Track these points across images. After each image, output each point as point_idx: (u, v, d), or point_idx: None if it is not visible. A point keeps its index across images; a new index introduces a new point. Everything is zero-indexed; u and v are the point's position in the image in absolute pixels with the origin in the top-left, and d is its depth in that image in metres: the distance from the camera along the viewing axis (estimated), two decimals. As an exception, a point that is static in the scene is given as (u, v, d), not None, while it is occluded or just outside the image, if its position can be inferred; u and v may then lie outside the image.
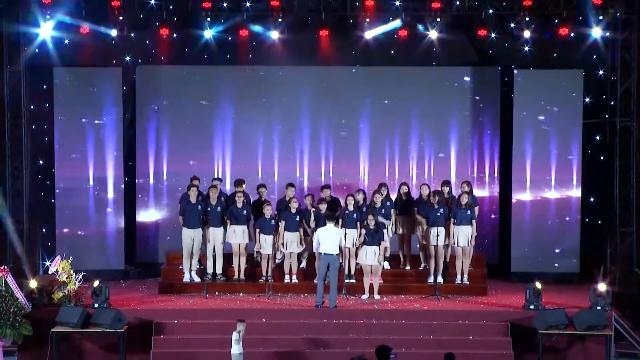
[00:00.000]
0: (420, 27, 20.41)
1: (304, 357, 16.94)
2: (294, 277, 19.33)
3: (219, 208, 19.27)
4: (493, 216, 21.40)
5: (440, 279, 19.16)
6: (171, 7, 20.31)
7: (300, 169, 21.52)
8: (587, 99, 20.74)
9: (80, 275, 18.25)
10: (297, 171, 21.47)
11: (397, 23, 20.27)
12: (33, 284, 17.99)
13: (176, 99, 21.41)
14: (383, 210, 19.24)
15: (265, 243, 19.06)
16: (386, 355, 12.72)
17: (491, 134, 21.39)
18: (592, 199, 20.97)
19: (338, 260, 18.07)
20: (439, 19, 20.25)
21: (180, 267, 19.53)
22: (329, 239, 17.93)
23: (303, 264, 19.60)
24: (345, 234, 18.62)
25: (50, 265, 18.86)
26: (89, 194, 20.91)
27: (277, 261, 19.41)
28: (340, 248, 18.17)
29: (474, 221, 19.15)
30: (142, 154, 21.48)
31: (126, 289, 19.75)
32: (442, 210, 19.02)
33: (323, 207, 19.02)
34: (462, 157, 21.41)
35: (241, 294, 18.96)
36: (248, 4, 20.32)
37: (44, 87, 20.86)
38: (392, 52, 21.17)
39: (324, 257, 17.94)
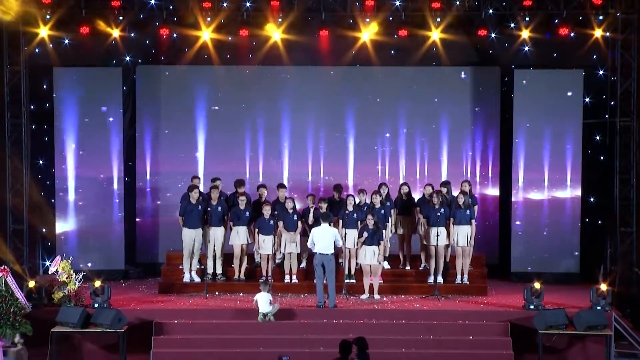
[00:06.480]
0: (420, 27, 20.42)
1: (304, 357, 16.93)
2: (294, 277, 19.32)
3: (219, 208, 19.26)
4: (493, 216, 21.40)
5: (440, 279, 19.16)
6: (171, 7, 20.33)
7: (298, 168, 21.50)
8: (587, 99, 20.73)
9: (80, 275, 18.26)
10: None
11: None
12: (33, 284, 18.00)
13: (176, 99, 21.41)
14: (382, 211, 19.24)
15: (264, 243, 19.05)
16: (349, 350, 12.84)
17: (491, 133, 21.38)
18: (592, 199, 20.95)
19: (334, 260, 18.05)
20: (439, 19, 20.26)
21: (180, 267, 19.53)
22: (323, 238, 17.93)
23: (303, 264, 19.60)
24: (346, 234, 18.63)
25: (50, 265, 18.86)
26: (89, 194, 20.92)
27: (277, 261, 19.41)
28: (337, 248, 18.18)
29: (473, 221, 19.14)
30: (142, 154, 21.48)
31: (126, 289, 19.75)
32: (442, 210, 19.02)
33: (324, 206, 18.99)
34: (462, 157, 21.40)
35: (241, 294, 18.95)
36: (248, 4, 20.33)
37: (44, 87, 20.86)
38: (392, 52, 21.18)
39: (318, 256, 17.95)
